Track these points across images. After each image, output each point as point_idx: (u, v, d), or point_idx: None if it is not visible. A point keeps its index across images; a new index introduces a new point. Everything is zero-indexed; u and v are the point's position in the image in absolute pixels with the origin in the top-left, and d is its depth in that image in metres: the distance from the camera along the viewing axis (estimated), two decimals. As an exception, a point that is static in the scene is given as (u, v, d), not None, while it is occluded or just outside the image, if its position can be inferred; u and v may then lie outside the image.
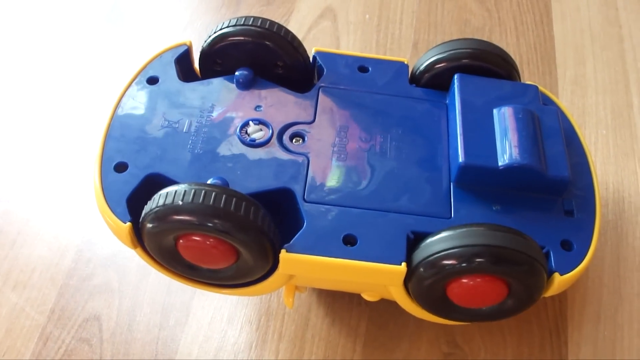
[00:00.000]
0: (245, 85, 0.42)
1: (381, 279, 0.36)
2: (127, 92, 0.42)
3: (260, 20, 0.42)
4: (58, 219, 0.56)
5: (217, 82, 0.43)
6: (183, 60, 0.44)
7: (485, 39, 0.58)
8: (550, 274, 0.36)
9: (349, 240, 0.36)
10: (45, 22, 0.69)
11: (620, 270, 0.45)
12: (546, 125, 0.40)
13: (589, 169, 0.41)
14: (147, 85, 0.43)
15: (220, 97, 0.42)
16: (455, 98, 0.41)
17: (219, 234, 0.34)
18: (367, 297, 0.39)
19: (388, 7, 0.63)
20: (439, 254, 0.34)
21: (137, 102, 0.42)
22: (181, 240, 0.35)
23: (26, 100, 0.63)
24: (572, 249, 0.37)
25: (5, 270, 0.53)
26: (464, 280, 0.35)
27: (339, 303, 0.44)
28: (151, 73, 0.43)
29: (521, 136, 0.38)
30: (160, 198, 0.34)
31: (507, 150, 0.38)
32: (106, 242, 0.51)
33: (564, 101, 0.54)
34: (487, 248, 0.34)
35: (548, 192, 0.38)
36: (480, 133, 0.39)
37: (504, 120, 0.39)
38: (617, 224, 0.47)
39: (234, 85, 0.42)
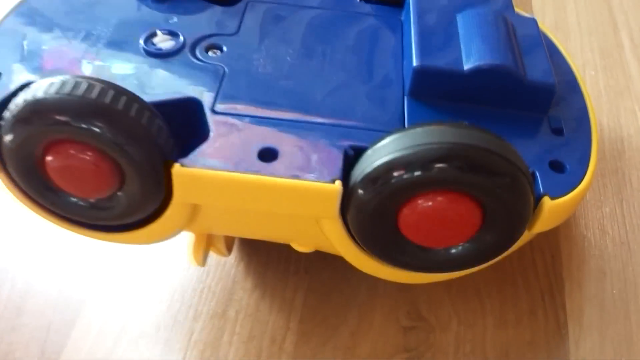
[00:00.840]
0: None
1: (308, 205, 0.26)
2: (17, 8, 0.34)
3: None
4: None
5: (127, -4, 0.35)
6: None
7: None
8: (538, 197, 0.27)
9: (267, 155, 0.27)
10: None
11: (625, 218, 0.36)
12: (523, 35, 0.32)
13: (579, 87, 0.32)
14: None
15: (128, 9, 0.34)
16: (410, 7, 0.33)
17: (96, 140, 0.25)
18: (298, 246, 0.30)
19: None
20: (381, 161, 0.25)
21: (29, 14, 0.34)
22: (49, 156, 0.27)
23: None
24: (565, 170, 0.28)
25: None
26: (420, 202, 0.25)
27: (272, 271, 0.35)
28: None
29: (491, 37, 0.30)
30: (20, 95, 0.26)
31: (474, 52, 0.30)
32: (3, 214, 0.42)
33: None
34: (452, 147, 0.25)
35: (530, 107, 0.30)
36: (440, 36, 0.31)
37: (470, 23, 0.31)
38: (617, 165, 0.39)
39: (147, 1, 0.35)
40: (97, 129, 0.25)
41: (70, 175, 0.27)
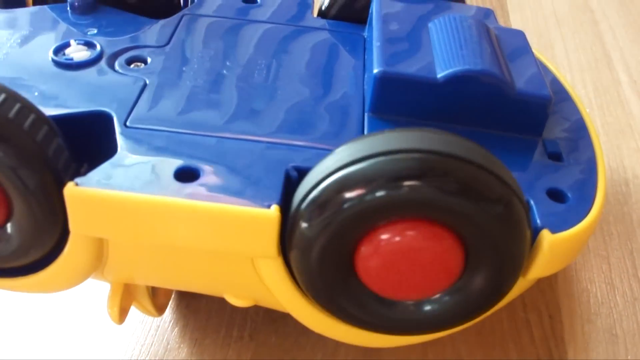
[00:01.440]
0: (81, 10, 0.29)
1: (238, 237, 0.20)
2: None
3: None
4: None
5: (43, 9, 0.30)
6: None
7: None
8: (535, 232, 0.21)
9: (186, 175, 0.21)
10: None
11: (637, 269, 0.30)
12: (510, 45, 0.27)
13: (575, 107, 0.27)
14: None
15: (43, 22, 0.29)
16: (374, 19, 0.28)
17: None
18: (233, 299, 0.24)
19: None
20: (329, 180, 0.19)
21: None
22: None
23: None
24: (566, 200, 0.23)
25: None
26: (383, 236, 0.19)
27: (211, 339, 0.28)
28: None
29: (471, 42, 0.25)
30: None
31: (450, 57, 0.24)
32: None
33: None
34: (426, 159, 0.18)
35: (521, 128, 0.25)
36: (409, 42, 0.26)
37: (445, 29, 0.26)
38: (624, 211, 0.33)
39: (67, 11, 0.30)
40: None
41: None
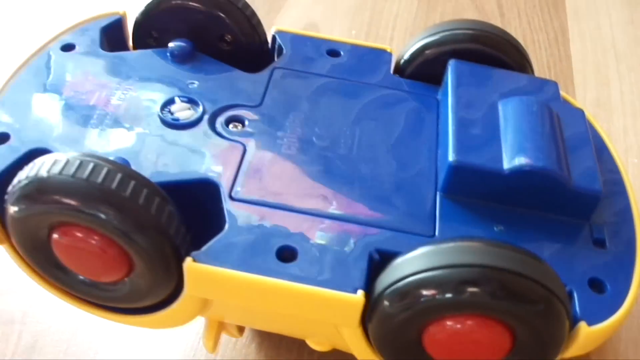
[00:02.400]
0: (180, 59, 0.33)
1: (328, 313, 0.24)
2: (32, 59, 0.33)
3: None
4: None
5: (146, 54, 0.33)
6: (113, 32, 0.35)
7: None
8: (574, 322, 0.25)
9: (286, 255, 0.25)
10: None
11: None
12: (570, 128, 0.30)
13: (624, 189, 0.30)
14: (61, 52, 0.33)
15: (146, 70, 0.32)
16: (449, 88, 0.31)
17: (101, 227, 0.24)
18: (314, 345, 0.28)
19: (378, 23, 0.54)
20: (411, 278, 0.23)
21: (44, 68, 0.32)
22: (55, 234, 0.25)
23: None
24: (605, 291, 0.26)
25: None
26: (449, 323, 0.23)
27: (284, 357, 0.33)
28: (69, 41, 0.34)
29: (536, 134, 0.28)
30: (25, 171, 0.24)
31: (516, 150, 0.27)
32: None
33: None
34: (484, 271, 0.23)
35: (571, 213, 0.28)
36: (480, 129, 0.29)
37: (513, 114, 0.29)
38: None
39: (167, 59, 0.33)
40: (102, 215, 0.23)
41: (76, 255, 0.25)
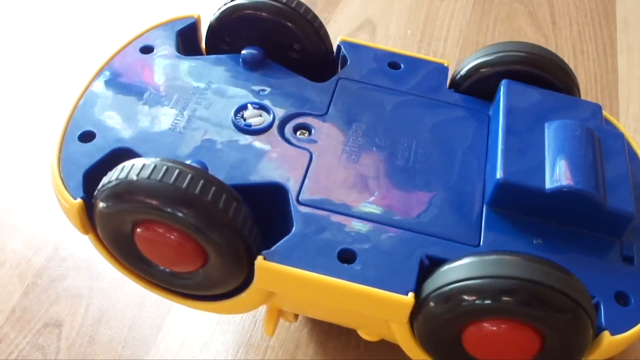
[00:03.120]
0: (252, 65, 0.36)
1: (381, 310, 0.28)
2: (114, 59, 0.36)
3: None
4: (40, 211, 0.51)
5: (220, 60, 0.36)
6: (187, 34, 0.38)
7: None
8: (599, 331, 0.28)
9: (346, 257, 0.28)
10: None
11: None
12: (609, 150, 0.32)
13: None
14: (140, 54, 0.36)
15: (221, 75, 0.35)
16: (500, 106, 0.33)
17: (184, 226, 0.27)
18: (364, 335, 0.32)
19: (433, 23, 0.57)
20: (455, 285, 0.26)
21: (124, 69, 0.35)
22: (139, 229, 0.28)
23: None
24: (629, 303, 0.29)
25: (-27, 259, 0.47)
26: (486, 325, 0.27)
27: (333, 342, 0.36)
28: (147, 42, 0.37)
29: (577, 156, 0.31)
30: (115, 172, 0.28)
31: (558, 171, 0.30)
32: (86, 242, 0.45)
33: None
34: (520, 283, 0.26)
35: (604, 231, 0.31)
36: (526, 148, 0.32)
37: (558, 136, 0.32)
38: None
39: (239, 65, 0.36)
40: (184, 216, 0.27)
41: (157, 248, 0.29)
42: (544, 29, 0.54)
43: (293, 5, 0.36)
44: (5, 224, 0.51)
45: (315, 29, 0.36)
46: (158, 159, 0.27)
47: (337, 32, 0.58)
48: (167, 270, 0.30)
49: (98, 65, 0.36)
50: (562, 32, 0.53)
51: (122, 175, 0.27)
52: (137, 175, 0.27)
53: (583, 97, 0.48)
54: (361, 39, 0.57)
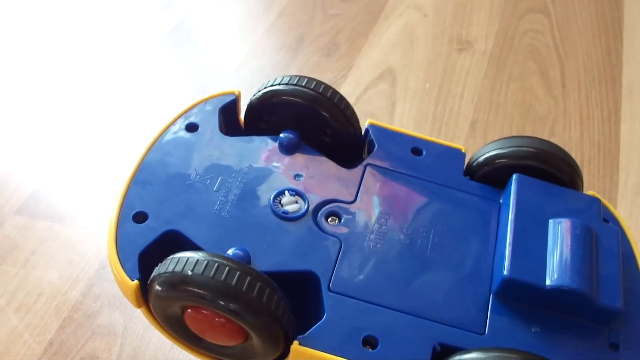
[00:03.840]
0: (288, 149, 0.40)
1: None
2: (162, 136, 0.40)
3: (315, 82, 0.40)
4: (76, 244, 0.55)
5: (259, 142, 0.40)
6: (228, 111, 0.42)
7: (547, 128, 0.55)
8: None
9: (370, 342, 0.33)
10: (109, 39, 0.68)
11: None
12: (603, 246, 0.36)
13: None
14: (186, 131, 0.40)
15: (260, 158, 0.39)
16: (511, 201, 0.37)
17: (227, 313, 0.31)
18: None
19: (450, 78, 0.60)
20: None
21: (171, 148, 0.39)
22: (189, 310, 0.33)
23: (65, 109, 0.63)
24: None
25: (12, 289, 0.51)
26: None
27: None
28: (192, 119, 0.41)
29: (575, 256, 0.35)
30: (171, 263, 0.32)
31: (557, 270, 0.34)
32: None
33: (622, 211, 0.50)
34: None
35: (594, 320, 0.35)
36: (531, 245, 0.36)
37: (559, 235, 0.36)
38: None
39: (276, 147, 0.40)
40: (232, 308, 0.31)
41: (204, 327, 0.33)
42: (554, 90, 0.58)
43: (328, 95, 0.40)
44: (42, 255, 0.54)
45: (345, 115, 0.40)
46: (209, 256, 0.32)
47: (359, 80, 0.62)
48: (212, 342, 0.34)
49: (147, 142, 0.40)
50: (571, 95, 0.57)
51: (178, 268, 0.31)
52: (192, 270, 0.31)
53: (587, 164, 0.52)
54: (381, 89, 0.61)
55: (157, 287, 0.32)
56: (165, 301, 0.32)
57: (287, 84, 0.40)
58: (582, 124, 0.55)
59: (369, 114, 0.59)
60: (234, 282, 0.31)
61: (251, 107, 0.41)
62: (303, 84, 0.40)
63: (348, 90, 0.61)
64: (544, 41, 0.62)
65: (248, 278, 0.31)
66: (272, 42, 0.67)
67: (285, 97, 0.40)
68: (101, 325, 0.48)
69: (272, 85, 0.41)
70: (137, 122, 0.63)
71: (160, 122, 0.55)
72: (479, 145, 0.55)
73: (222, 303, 0.31)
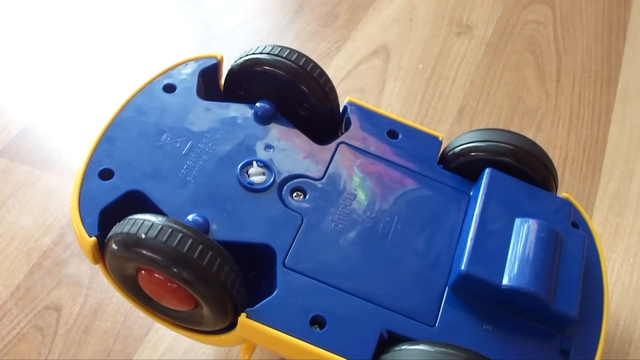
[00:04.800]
0: (263, 119, 0.39)
1: (341, 373, 0.32)
2: (138, 95, 0.39)
3: (296, 55, 0.39)
4: (53, 191, 0.54)
5: (234, 109, 0.40)
6: (208, 74, 0.42)
7: (535, 123, 0.54)
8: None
9: (317, 322, 0.33)
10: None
11: None
12: (568, 251, 0.36)
13: (602, 309, 0.37)
14: (163, 92, 0.40)
15: (233, 126, 0.39)
16: (479, 195, 0.37)
17: (177, 279, 0.31)
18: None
19: (445, 61, 0.60)
20: None
21: (146, 107, 0.39)
22: (142, 272, 0.32)
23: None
24: None
25: (-16, 231, 0.51)
26: None
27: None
28: (170, 80, 0.40)
29: (536, 258, 0.34)
30: (127, 224, 0.32)
31: (515, 270, 0.34)
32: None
33: (598, 215, 0.49)
34: None
35: (548, 325, 0.35)
36: (493, 242, 0.35)
37: (524, 235, 0.35)
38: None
39: (251, 116, 0.39)
40: (182, 274, 0.31)
41: (155, 289, 0.33)
42: (547, 85, 0.57)
43: (308, 69, 0.39)
44: (19, 199, 0.54)
45: (324, 90, 0.40)
46: (165, 221, 0.31)
47: (353, 53, 0.61)
48: (164, 305, 0.34)
49: (122, 99, 0.39)
50: (564, 91, 0.56)
51: (133, 230, 0.31)
52: (146, 234, 0.31)
53: (569, 164, 0.51)
54: (373, 65, 0.60)
55: (113, 246, 0.32)
56: (120, 261, 0.32)
57: (268, 53, 0.40)
58: (571, 122, 0.54)
59: (358, 90, 0.58)
60: (185, 249, 0.31)
61: (231, 72, 0.41)
62: (284, 55, 0.39)
63: (340, 63, 0.60)
64: (544, 33, 0.61)
65: (200, 246, 0.31)
66: (273, 5, 0.66)
67: (266, 67, 0.40)
68: (68, 274, 0.48)
69: (253, 53, 0.40)
70: (126, 73, 0.63)
71: (145, 77, 0.54)
72: (463, 131, 0.54)
73: (172, 269, 0.31)
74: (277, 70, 0.39)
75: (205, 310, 0.33)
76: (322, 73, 0.40)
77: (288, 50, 0.39)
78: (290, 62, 0.39)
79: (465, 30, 0.62)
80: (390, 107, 0.55)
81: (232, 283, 0.32)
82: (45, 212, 0.52)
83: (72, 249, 0.50)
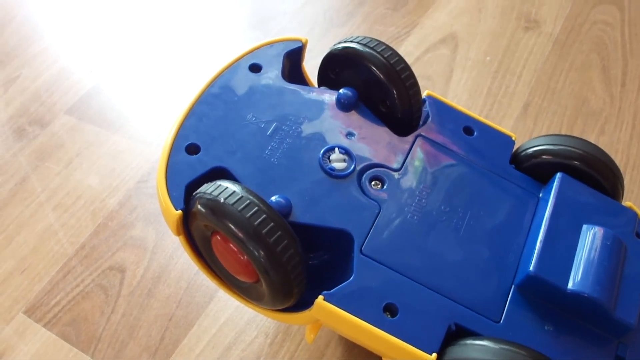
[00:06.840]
0: (345, 106, 0.40)
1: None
2: (225, 72, 0.41)
3: (390, 52, 0.40)
4: (120, 153, 0.56)
5: (318, 93, 0.41)
6: (293, 56, 0.43)
7: (598, 126, 0.55)
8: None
9: (390, 310, 0.34)
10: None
11: None
12: (631, 261, 0.37)
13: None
14: (249, 71, 0.41)
15: (316, 110, 0.40)
16: (550, 198, 0.38)
17: (243, 248, 0.33)
18: (388, 363, 0.38)
19: (512, 56, 0.60)
20: None
21: (233, 85, 0.40)
22: (217, 236, 0.34)
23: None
24: None
25: (54, 187, 0.53)
26: None
27: (359, 349, 0.43)
28: (256, 60, 0.42)
29: (601, 265, 0.36)
30: (213, 187, 0.34)
31: (581, 275, 0.35)
32: (156, 197, 0.50)
33: (656, 223, 0.50)
34: None
35: (606, 331, 0.36)
36: (561, 246, 0.36)
37: (591, 242, 0.36)
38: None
39: (334, 103, 0.40)
40: (248, 245, 0.33)
41: (224, 254, 0.35)
42: (612, 88, 0.57)
43: (398, 69, 0.40)
44: (86, 158, 0.56)
45: (409, 95, 0.40)
46: (246, 193, 0.33)
47: (422, 40, 0.62)
48: (232, 274, 0.36)
49: (209, 76, 0.40)
50: (629, 95, 0.56)
51: (215, 193, 0.33)
52: (225, 199, 0.33)
53: (630, 170, 0.52)
54: (441, 54, 0.61)
55: (198, 205, 0.34)
56: (199, 219, 0.34)
57: (365, 45, 0.40)
58: (634, 128, 0.54)
59: (425, 77, 0.58)
60: (256, 223, 0.32)
61: (330, 56, 0.42)
62: (379, 50, 0.40)
63: (409, 48, 0.61)
64: (612, 35, 0.61)
65: (271, 224, 0.33)
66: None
67: (363, 60, 0.40)
68: (133, 237, 0.50)
69: (352, 42, 0.41)
70: (199, 48, 0.64)
71: (220, 50, 0.55)
72: (527, 128, 0.55)
73: (240, 236, 0.32)
74: (370, 65, 0.40)
75: (264, 286, 0.34)
76: (410, 76, 0.40)
77: (383, 46, 0.40)
78: (383, 59, 0.40)
79: (534, 25, 0.62)
80: (457, 98, 0.56)
81: (293, 266, 0.33)
82: (112, 173, 0.54)
83: (137, 212, 0.51)
